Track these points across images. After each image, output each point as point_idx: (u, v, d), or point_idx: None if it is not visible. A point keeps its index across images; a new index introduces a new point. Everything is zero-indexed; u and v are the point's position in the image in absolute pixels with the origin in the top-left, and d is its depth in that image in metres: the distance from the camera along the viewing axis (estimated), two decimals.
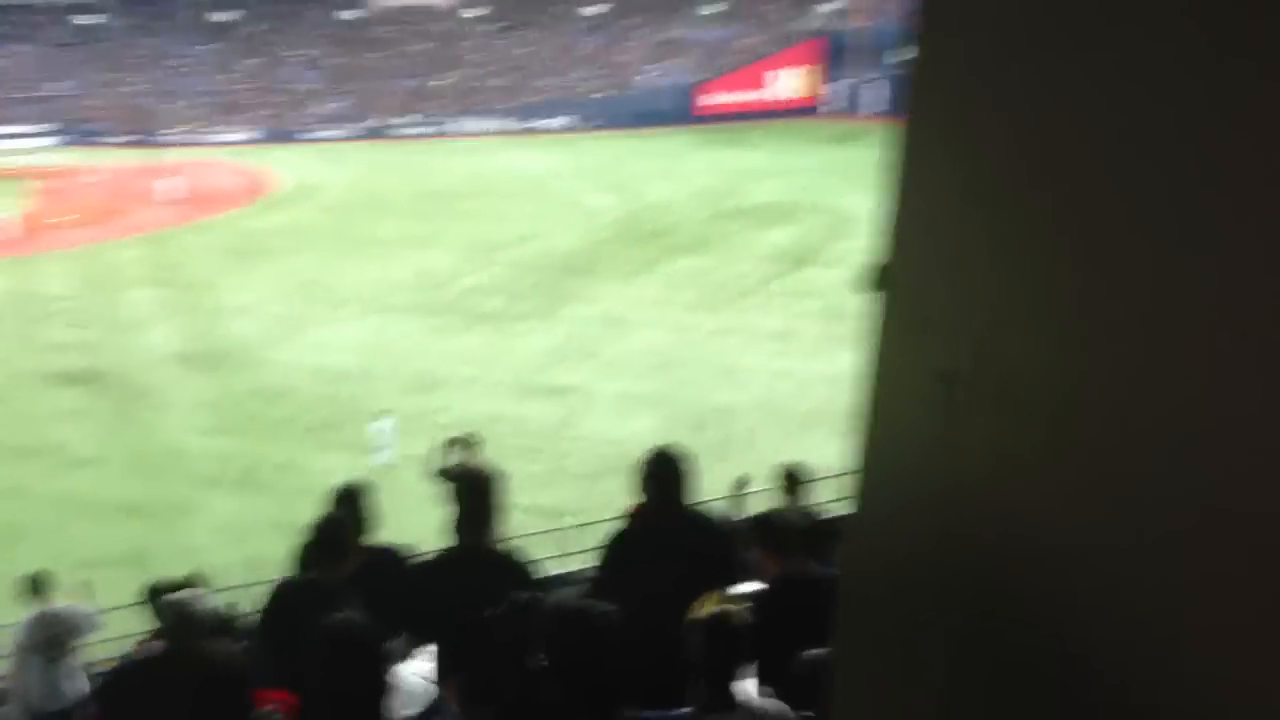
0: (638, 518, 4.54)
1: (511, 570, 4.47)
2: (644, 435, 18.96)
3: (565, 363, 23.34)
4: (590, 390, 21.57)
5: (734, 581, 4.37)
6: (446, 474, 7.30)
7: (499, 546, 4.77)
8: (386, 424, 18.22)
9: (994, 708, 1.27)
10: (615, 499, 16.74)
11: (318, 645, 3.03)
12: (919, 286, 1.34)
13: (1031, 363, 1.18)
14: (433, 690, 4.32)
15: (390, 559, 4.85)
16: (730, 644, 3.31)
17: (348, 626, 3.10)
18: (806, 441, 17.21)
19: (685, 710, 3.39)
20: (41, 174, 56.16)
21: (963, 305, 1.26)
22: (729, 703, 3.34)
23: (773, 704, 3.47)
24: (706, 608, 3.37)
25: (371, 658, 3.05)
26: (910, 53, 1.30)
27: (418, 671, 4.38)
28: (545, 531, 14.18)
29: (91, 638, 8.61)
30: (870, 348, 1.43)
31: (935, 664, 1.37)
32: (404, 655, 4.33)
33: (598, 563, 4.63)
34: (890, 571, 1.44)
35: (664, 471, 4.44)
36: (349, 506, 4.80)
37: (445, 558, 4.52)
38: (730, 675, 3.33)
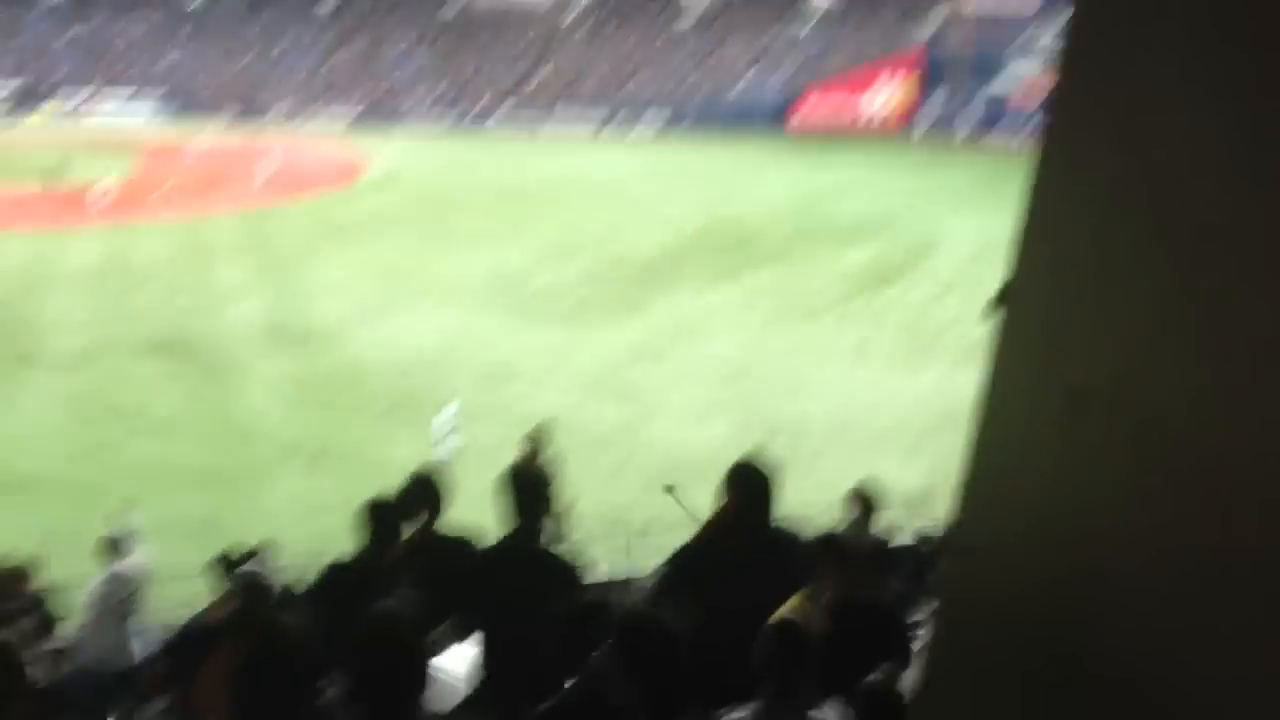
0: (720, 527, 4.45)
1: (559, 570, 4.43)
2: (712, 443, 18.87)
3: (638, 365, 23.37)
4: (661, 395, 21.57)
5: None
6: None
7: (550, 546, 4.74)
8: (449, 412, 18.35)
9: None
10: (678, 505, 16.68)
11: (360, 631, 3.01)
12: (1052, 301, 1.27)
13: (1182, 389, 1.10)
14: (466, 685, 4.31)
15: (448, 546, 4.85)
16: (798, 650, 3.29)
17: (390, 615, 3.07)
18: (877, 461, 17.00)
19: (740, 714, 3.38)
20: (144, 144, 57.77)
21: (1101, 321, 1.19)
22: (790, 708, 3.33)
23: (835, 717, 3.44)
24: (783, 611, 3.36)
25: (411, 648, 3.01)
26: (1055, 73, 1.28)
27: (456, 664, 4.37)
28: (606, 534, 14.23)
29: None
30: (991, 365, 1.37)
31: (1037, 706, 1.30)
32: (445, 646, 4.31)
33: (670, 566, 4.57)
34: (996, 604, 1.37)
35: (751, 482, 4.37)
36: (421, 492, 4.83)
37: (494, 553, 4.48)
38: (797, 680, 3.32)
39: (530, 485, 4.48)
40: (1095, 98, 1.23)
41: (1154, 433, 1.13)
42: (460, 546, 4.72)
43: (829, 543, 4.69)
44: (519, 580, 4.22)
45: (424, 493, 4.86)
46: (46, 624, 8.44)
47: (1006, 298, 1.37)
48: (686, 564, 4.47)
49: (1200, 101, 1.10)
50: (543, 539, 4.60)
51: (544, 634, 3.77)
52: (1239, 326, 1.06)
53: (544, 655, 3.76)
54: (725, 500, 4.36)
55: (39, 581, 8.47)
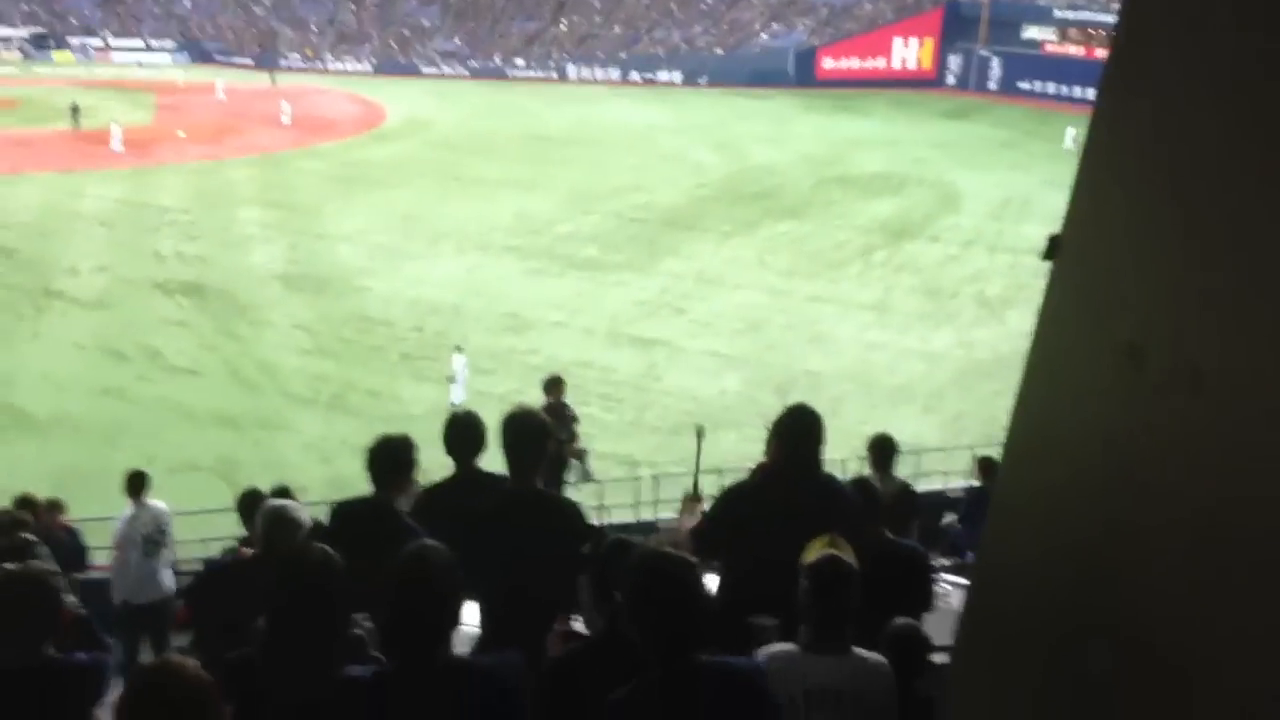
0: (767, 474, 4.46)
1: (562, 514, 4.42)
2: (727, 395, 18.93)
3: (655, 316, 23.36)
4: (678, 345, 21.56)
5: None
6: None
7: (548, 492, 4.72)
8: (460, 361, 18.38)
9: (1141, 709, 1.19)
10: (692, 454, 16.69)
11: (393, 570, 3.02)
12: (1107, 257, 1.26)
13: (1246, 349, 1.08)
14: (475, 631, 4.34)
15: (479, 488, 4.85)
16: (837, 587, 3.33)
17: (422, 555, 3.08)
18: (893, 415, 17.03)
19: (785, 647, 3.41)
20: (163, 88, 57.64)
21: (1158, 278, 1.17)
22: (833, 645, 3.37)
23: (874, 655, 3.48)
24: (816, 550, 3.38)
25: (440, 588, 3.01)
26: (1113, 37, 1.28)
27: (469, 608, 4.39)
28: (622, 480, 14.32)
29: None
30: (1042, 319, 1.35)
31: (1072, 666, 1.29)
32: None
33: (716, 508, 4.58)
34: (1039, 559, 1.36)
35: (800, 431, 4.38)
36: (456, 434, 4.84)
37: (499, 497, 4.46)
38: (836, 618, 3.35)
39: (531, 431, 4.43)
40: (1140, 73, 1.23)
41: (1217, 384, 1.12)
42: (494, 486, 4.70)
43: (858, 488, 4.72)
44: (525, 523, 4.23)
45: (460, 435, 4.85)
46: (80, 555, 8.57)
47: (1055, 252, 1.36)
48: (732, 507, 4.48)
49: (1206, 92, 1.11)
50: (542, 484, 4.56)
51: (558, 576, 3.79)
52: (1266, 292, 1.05)
53: (559, 598, 3.79)
54: (773, 445, 4.36)
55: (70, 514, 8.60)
